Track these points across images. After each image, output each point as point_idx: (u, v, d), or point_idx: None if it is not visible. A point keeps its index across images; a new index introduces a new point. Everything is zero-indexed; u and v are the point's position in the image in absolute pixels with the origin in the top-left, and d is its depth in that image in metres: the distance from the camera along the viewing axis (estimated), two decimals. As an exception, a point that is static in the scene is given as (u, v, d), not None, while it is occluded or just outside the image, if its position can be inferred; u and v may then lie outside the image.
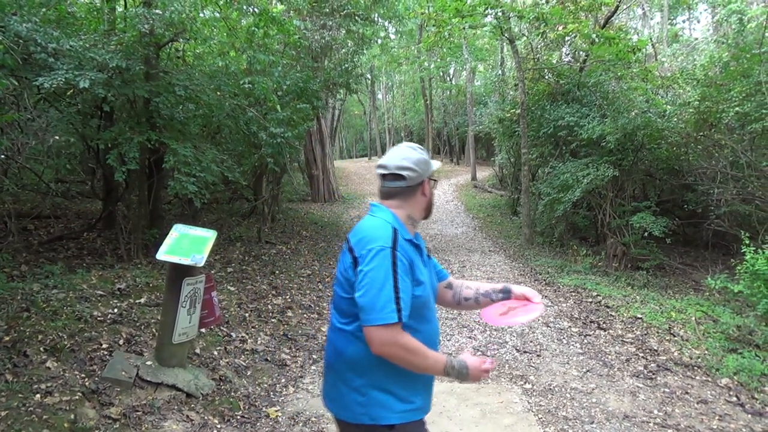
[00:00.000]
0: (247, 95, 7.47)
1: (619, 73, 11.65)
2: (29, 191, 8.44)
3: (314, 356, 5.24)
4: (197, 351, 4.51)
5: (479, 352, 5.51)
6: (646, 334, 6.06)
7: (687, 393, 4.62)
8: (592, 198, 10.90)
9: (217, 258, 7.73)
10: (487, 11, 11.75)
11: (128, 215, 7.37)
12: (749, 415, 4.25)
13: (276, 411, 4.00)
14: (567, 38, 13.37)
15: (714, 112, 8.85)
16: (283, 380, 4.61)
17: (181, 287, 3.71)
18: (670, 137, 9.77)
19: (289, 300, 6.82)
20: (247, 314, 5.86)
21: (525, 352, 5.56)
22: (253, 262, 8.17)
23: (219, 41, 7.83)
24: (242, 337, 5.25)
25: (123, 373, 3.63)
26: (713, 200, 9.32)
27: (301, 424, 3.86)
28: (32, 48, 5.03)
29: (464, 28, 13.43)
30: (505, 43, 18.28)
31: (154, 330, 4.42)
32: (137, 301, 4.94)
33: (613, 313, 6.81)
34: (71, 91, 5.95)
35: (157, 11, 5.91)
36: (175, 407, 3.59)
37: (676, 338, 5.95)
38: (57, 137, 6.14)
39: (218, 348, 4.78)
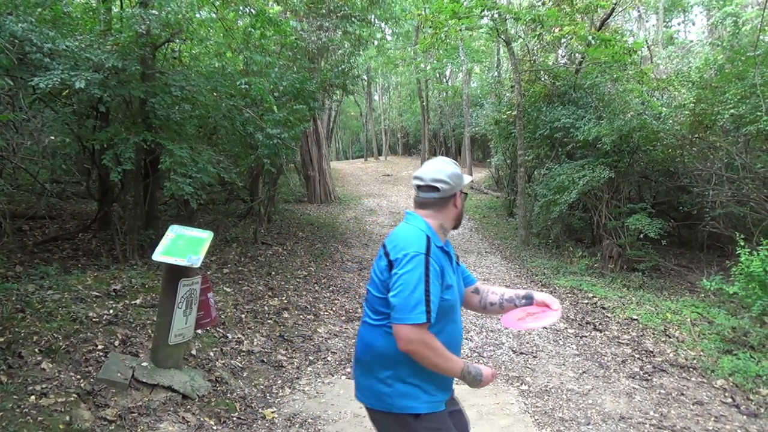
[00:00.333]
0: (244, 96, 7.45)
1: (615, 75, 11.68)
2: (24, 191, 8.41)
3: (310, 357, 5.23)
4: (193, 352, 4.50)
5: (475, 353, 5.52)
6: (641, 336, 6.08)
7: (683, 394, 4.63)
8: (587, 199, 10.93)
9: (213, 259, 7.71)
10: (483, 13, 11.77)
11: (124, 216, 7.34)
12: (744, 417, 4.27)
13: (272, 412, 3.99)
14: (563, 40, 13.43)
15: (709, 114, 8.89)
16: (280, 381, 4.60)
17: (177, 288, 3.69)
18: (666, 139, 9.81)
19: (285, 301, 6.81)
20: (243, 315, 5.85)
21: (521, 353, 5.57)
22: (249, 263, 8.15)
23: (215, 42, 7.81)
24: (238, 338, 5.23)
25: (118, 374, 3.61)
26: (708, 202, 9.35)
27: (297, 426, 3.85)
28: (28, 48, 5.01)
29: (461, 30, 13.44)
30: (501, 45, 18.33)
31: (149, 331, 4.40)
32: (133, 302, 4.92)
33: (609, 315, 6.83)
34: (67, 91, 5.92)
35: (153, 12, 5.89)
36: (171, 409, 3.57)
37: (671, 339, 5.97)
38: (52, 137, 6.11)
39: (214, 349, 4.77)
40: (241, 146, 8.37)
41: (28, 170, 7.73)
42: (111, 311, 4.56)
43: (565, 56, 15.28)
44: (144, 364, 3.79)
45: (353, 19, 12.51)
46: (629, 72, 11.83)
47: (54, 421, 3.02)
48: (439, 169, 2.07)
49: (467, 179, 2.17)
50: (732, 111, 8.10)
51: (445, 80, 38.54)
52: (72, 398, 3.26)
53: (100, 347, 3.93)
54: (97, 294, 4.85)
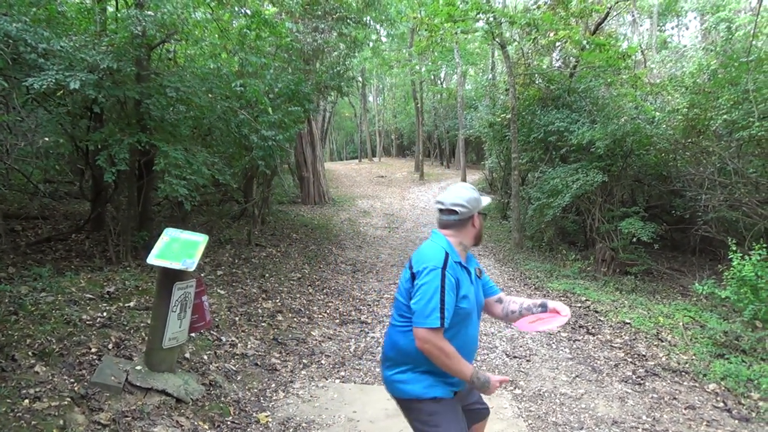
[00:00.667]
0: (239, 97, 7.43)
1: (609, 80, 11.77)
2: (16, 191, 8.36)
3: (304, 361, 5.23)
4: (187, 355, 4.49)
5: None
6: (634, 339, 6.11)
7: (675, 398, 4.67)
8: (581, 203, 10.98)
9: (206, 261, 7.69)
10: (479, 16, 11.81)
11: (117, 217, 7.30)
12: (736, 421, 4.30)
13: (266, 416, 3.99)
14: (558, 44, 13.48)
15: (702, 119, 8.96)
16: (273, 385, 4.60)
17: (172, 292, 3.69)
18: (659, 143, 9.88)
19: (279, 304, 6.80)
20: (237, 318, 5.84)
21: (515, 357, 5.59)
22: (243, 265, 8.14)
23: (211, 43, 7.79)
24: (232, 341, 5.23)
25: (112, 378, 3.60)
26: (701, 206, 9.42)
27: (291, 430, 3.85)
28: (22, 48, 4.98)
29: (456, 33, 13.48)
30: (496, 48, 18.38)
31: (143, 334, 4.39)
32: (126, 304, 4.90)
33: (602, 318, 6.87)
34: (61, 91, 5.90)
35: (149, 13, 5.88)
36: (165, 413, 3.56)
37: (664, 343, 6.01)
38: (47, 138, 6.08)
39: (208, 352, 4.76)
40: (236, 147, 8.35)
41: (21, 171, 7.69)
42: (104, 314, 4.54)
43: (559, 60, 15.36)
44: (138, 367, 3.77)
45: (349, 21, 12.51)
46: (623, 76, 11.92)
47: (48, 426, 3.00)
48: (459, 194, 2.37)
49: (485, 201, 2.46)
50: (725, 116, 8.17)
51: (439, 82, 38.64)
52: (66, 402, 3.25)
53: (93, 350, 3.92)
54: (90, 296, 4.83)
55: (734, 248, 6.37)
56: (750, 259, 6.11)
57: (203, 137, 7.88)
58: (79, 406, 3.30)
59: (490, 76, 23.69)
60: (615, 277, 9.47)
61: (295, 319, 6.41)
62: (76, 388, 3.43)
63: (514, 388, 4.79)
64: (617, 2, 14.01)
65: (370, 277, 9.04)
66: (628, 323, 6.60)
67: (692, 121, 9.27)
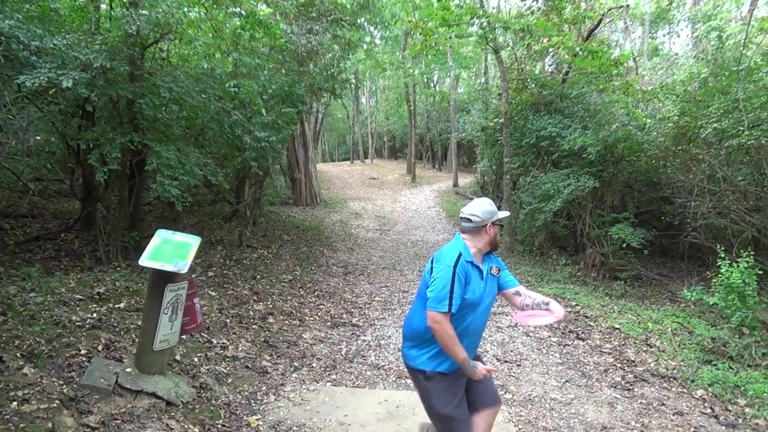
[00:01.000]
0: (232, 98, 7.41)
1: (600, 86, 11.83)
2: (6, 189, 8.28)
3: (295, 363, 5.22)
4: (177, 357, 4.46)
5: (460, 361, 5.54)
6: (623, 345, 6.15)
7: (663, 404, 4.70)
8: (572, 208, 11.03)
9: (197, 262, 7.66)
10: (473, 21, 11.84)
11: (108, 216, 7.25)
12: (723, 427, 4.34)
13: (257, 420, 3.97)
14: (551, 50, 13.55)
15: (693, 127, 9.03)
16: (264, 388, 4.58)
17: (164, 294, 3.66)
18: (650, 150, 9.94)
19: (271, 306, 6.78)
20: (228, 320, 5.81)
21: (505, 361, 5.60)
22: (234, 267, 8.11)
23: (204, 43, 7.76)
24: (223, 343, 5.20)
25: (102, 380, 3.57)
26: (690, 213, 9.49)
27: (282, 433, 3.84)
28: (14, 45, 4.93)
29: (450, 37, 13.51)
30: (489, 53, 18.44)
31: (133, 336, 4.36)
32: (117, 305, 4.86)
33: (592, 323, 6.90)
34: (53, 90, 5.85)
35: (143, 12, 5.85)
36: (155, 415, 3.54)
37: (652, 349, 6.04)
38: (38, 137, 6.03)
39: (199, 354, 4.74)
40: (229, 148, 8.32)
41: (11, 169, 7.61)
42: (94, 315, 4.50)
43: (552, 65, 15.43)
44: (128, 369, 3.75)
45: (343, 23, 12.53)
46: (615, 83, 11.99)
47: (36, 428, 2.97)
48: (477, 206, 2.86)
49: (502, 214, 2.91)
50: (715, 125, 8.24)
51: (432, 85, 38.73)
52: (54, 404, 3.22)
53: (83, 352, 3.88)
54: (80, 297, 4.79)
55: (722, 255, 6.44)
56: (738, 266, 6.18)
57: (196, 137, 7.85)
58: (68, 408, 3.27)
59: (483, 80, 23.81)
60: (605, 282, 9.53)
61: (286, 322, 6.39)
62: (65, 391, 3.40)
63: (505, 392, 4.81)
64: (610, 9, 14.12)
65: (362, 279, 9.03)
66: (618, 328, 6.64)
67: (683, 128, 9.34)
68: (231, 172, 9.83)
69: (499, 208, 2.90)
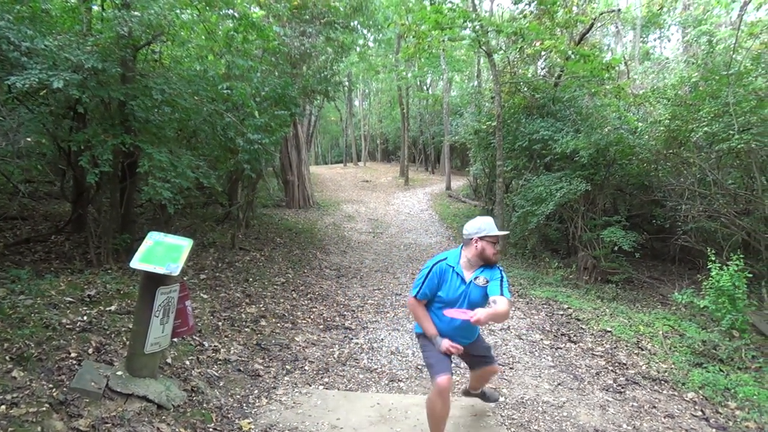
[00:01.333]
0: (225, 100, 7.40)
1: (592, 90, 11.90)
2: (-5, 191, 8.22)
3: (287, 367, 5.20)
4: (169, 361, 4.43)
5: (452, 365, 5.53)
6: (615, 348, 6.17)
7: (654, 407, 4.72)
8: (564, 211, 11.08)
9: (189, 264, 7.62)
10: (465, 24, 11.88)
11: (99, 219, 7.21)
12: (714, 430, 4.36)
13: (249, 423, 3.95)
14: (543, 53, 13.62)
15: (683, 130, 9.09)
16: (256, 391, 4.56)
17: (155, 296, 3.64)
18: (641, 154, 10.00)
19: (263, 308, 6.76)
20: (220, 323, 5.79)
21: (498, 364, 5.60)
22: (227, 269, 8.08)
23: (197, 45, 7.75)
24: (215, 346, 5.18)
25: (92, 383, 3.54)
26: (680, 216, 9.55)
27: (274, 437, 3.82)
28: (4, 46, 4.91)
29: (443, 40, 13.55)
30: (482, 56, 18.51)
31: (124, 338, 4.33)
32: (107, 308, 4.83)
33: (584, 326, 6.92)
34: (44, 91, 5.82)
35: (135, 13, 5.83)
36: (146, 419, 3.51)
37: (644, 352, 6.07)
38: (29, 139, 5.99)
39: (190, 357, 4.71)
40: (221, 150, 8.31)
41: (1, 171, 7.55)
42: (85, 318, 4.47)
43: (544, 69, 15.51)
44: (118, 373, 3.72)
45: (336, 25, 12.54)
46: (607, 87, 12.06)
47: (25, 432, 2.95)
48: (470, 223, 3.51)
49: (493, 232, 3.43)
50: (706, 128, 8.30)
51: (425, 88, 38.79)
52: (44, 408, 3.19)
53: (73, 355, 3.85)
54: (70, 299, 4.76)
55: (713, 258, 6.48)
56: (728, 269, 6.22)
57: (188, 140, 7.83)
58: (58, 412, 3.24)
59: (476, 83, 23.89)
60: (596, 285, 9.56)
61: (278, 325, 6.37)
62: (54, 394, 3.37)
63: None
64: (602, 14, 14.21)
65: (355, 282, 9.02)
66: (609, 331, 6.67)
67: (674, 132, 9.40)
68: (224, 174, 9.80)
69: (491, 212, 3.17)
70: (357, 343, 6.04)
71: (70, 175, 7.79)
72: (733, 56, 8.98)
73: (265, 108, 8.35)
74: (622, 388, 5.12)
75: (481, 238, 3.40)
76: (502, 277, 3.43)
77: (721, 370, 5.50)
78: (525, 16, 13.23)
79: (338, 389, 4.79)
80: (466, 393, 4.32)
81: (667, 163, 10.07)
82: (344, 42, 13.54)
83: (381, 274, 9.67)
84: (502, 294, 3.29)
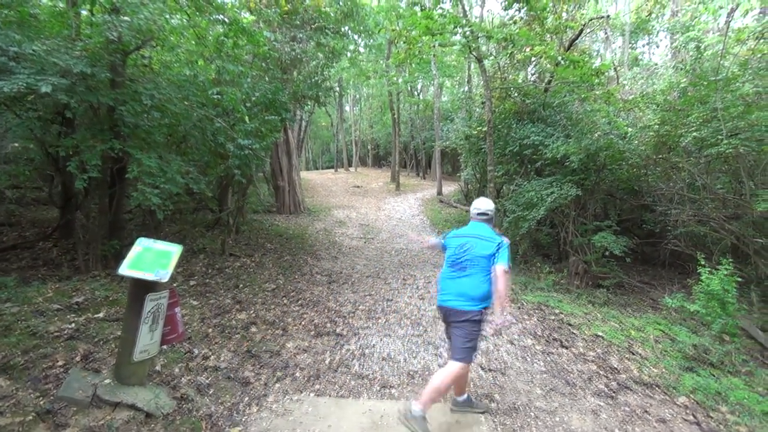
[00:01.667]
0: (215, 105, 7.38)
1: (582, 95, 11.96)
2: (-19, 197, 8.12)
3: (278, 374, 5.16)
4: (158, 368, 4.39)
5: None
6: (606, 352, 6.18)
7: (646, 412, 4.72)
8: (555, 216, 11.11)
9: (179, 270, 7.57)
10: (456, 30, 11.92)
11: (87, 225, 7.14)
12: (705, 434, 4.37)
13: (239, 431, 3.92)
14: (533, 59, 13.68)
15: (673, 135, 9.16)
16: (246, 399, 4.52)
17: (144, 303, 3.61)
18: (631, 159, 10.06)
19: (253, 315, 6.72)
20: (209, 330, 5.74)
21: (490, 370, 5.60)
22: (217, 275, 8.03)
23: (187, 50, 7.73)
24: (205, 353, 5.13)
25: (80, 392, 3.50)
26: (670, 221, 9.61)
27: (264, 445, 3.79)
28: (-8, 51, 4.87)
29: (434, 46, 13.59)
30: (473, 62, 18.57)
31: (113, 346, 4.29)
32: (95, 315, 4.78)
33: (575, 331, 6.93)
34: (32, 96, 5.77)
35: (125, 18, 5.80)
36: (134, 428, 3.47)
37: (635, 356, 6.09)
38: (16, 144, 5.93)
39: (180, 365, 4.67)
40: (211, 156, 8.27)
41: (-13, 176, 7.48)
42: (72, 325, 4.42)
43: (535, 74, 15.58)
44: (106, 381, 3.67)
45: (327, 31, 12.54)
46: (596, 92, 12.13)
47: (10, 442, 2.90)
48: (489, 203, 4.45)
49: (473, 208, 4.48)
50: (695, 134, 8.36)
51: (416, 93, 38.91)
52: (30, 417, 3.14)
53: (60, 363, 3.80)
54: (58, 307, 4.70)
55: (702, 263, 6.52)
56: (717, 273, 6.26)
57: (178, 145, 7.79)
58: (45, 421, 3.20)
59: (467, 88, 23.95)
60: (588, 289, 9.58)
61: (269, 331, 6.33)
62: (41, 403, 3.32)
63: (490, 401, 4.80)
64: (591, 20, 14.31)
65: (346, 288, 8.99)
66: (601, 336, 6.68)
67: (663, 137, 9.47)
68: (214, 179, 9.76)
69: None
70: (348, 350, 6.02)
71: (59, 181, 7.73)
72: (721, 62, 9.07)
73: (255, 113, 8.34)
74: (614, 393, 5.12)
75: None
76: None
77: (712, 375, 5.53)
78: (515, 22, 13.30)
79: (329, 396, 4.76)
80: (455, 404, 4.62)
81: (656, 168, 10.14)
82: (335, 47, 13.54)
83: (372, 280, 9.65)
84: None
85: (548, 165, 11.37)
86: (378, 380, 5.20)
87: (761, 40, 10.13)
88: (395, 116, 30.18)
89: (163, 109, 6.48)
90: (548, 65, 13.19)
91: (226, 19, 7.74)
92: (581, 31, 13.78)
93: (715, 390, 5.13)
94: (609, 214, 11.50)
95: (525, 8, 12.56)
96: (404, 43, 13.45)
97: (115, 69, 6.18)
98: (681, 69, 10.84)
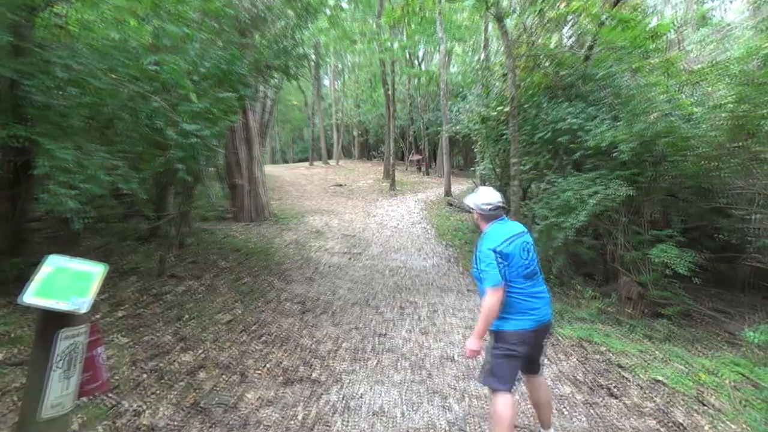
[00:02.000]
0: (152, 79, 7.37)
1: (634, 65, 12.03)
2: None
3: (235, 434, 5.14)
4: (75, 427, 4.36)
5: (456, 427, 5.52)
6: (669, 403, 6.19)
7: (722, 482, 4.73)
8: (600, 223, 11.15)
9: (103, 298, 7.54)
10: (468, -21, 11.99)
11: (-19, 237, 7.11)
12: None
13: None
14: (570, 18, 13.76)
15: (753, 117, 9.20)
16: (193, 468, 4.50)
17: (55, 342, 3.58)
18: (699, 148, 10.10)
19: (202, 356, 6.69)
20: (143, 376, 5.72)
21: (516, 426, 5.59)
22: (153, 304, 8.01)
23: (115, 6, 7.71)
24: (137, 407, 5.11)
25: (-31, 461, 3.46)
26: (752, 229, 9.64)
27: None
28: None
29: (439, 1, 13.66)
30: (490, 21, 18.66)
31: (15, 398, 4.25)
32: (-9, 358, 4.75)
33: (628, 375, 6.94)
34: None
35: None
36: None
37: (707, 408, 6.10)
38: None
39: (104, 423, 4.64)
40: (146, 145, 8.26)
41: None
42: (-40, 371, 4.38)
43: (571, 38, 15.68)
44: (5, 446, 3.64)
45: (299, -19, 12.57)
46: (652, 61, 12.21)
47: None
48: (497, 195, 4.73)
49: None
50: (782, 114, 8.41)
51: (417, 63, 39.05)
52: None
53: (-57, 423, 3.77)
54: (-60, 347, 4.67)
55: (795, 284, 6.55)
56: (815, 298, 6.29)
57: (102, 131, 7.77)
58: None
59: (483, 56, 24.05)
60: (644, 320, 9.61)
61: (223, 377, 6.31)
62: None
63: (515, 469, 4.79)
64: (645, -34, 14.41)
65: (324, 319, 8.98)
66: (662, 382, 6.69)
67: (740, 119, 9.51)
68: (150, 177, 9.72)
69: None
70: (328, 402, 6.00)
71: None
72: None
73: (204, 89, 8.33)
74: (680, 456, 5.13)
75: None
76: (477, 253, 4.47)
77: (807, 432, 5.54)
78: (546, -31, 13.40)
79: (304, 464, 4.74)
80: None
81: (732, 160, 10.19)
82: (310, 2, 13.57)
83: (359, 309, 9.65)
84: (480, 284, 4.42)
85: (590, 156, 11.41)
86: (368, 442, 5.18)
87: None
88: (389, 92, 30.29)
89: (83, 85, 6.45)
90: (589, 26, 13.27)
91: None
92: (633, -19, 13.89)
93: (812, 452, 5.14)
94: (671, 221, 11.53)
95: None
96: (401, -4, 13.51)
97: (19, 32, 6.15)
98: (763, 30, 10.93)
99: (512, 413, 4.21)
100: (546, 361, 4.34)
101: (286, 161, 50.84)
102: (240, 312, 8.74)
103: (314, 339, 8.02)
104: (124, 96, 6.88)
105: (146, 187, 9.76)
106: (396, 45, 29.75)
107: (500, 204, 4.54)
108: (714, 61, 12.49)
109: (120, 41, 7.21)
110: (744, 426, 5.70)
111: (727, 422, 5.79)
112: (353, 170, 35.11)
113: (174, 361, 6.34)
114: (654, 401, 6.24)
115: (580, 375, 6.95)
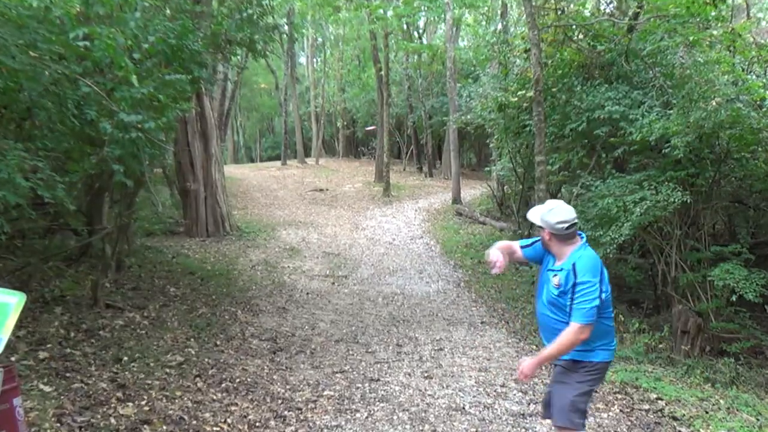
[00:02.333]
0: (81, 58, 7.38)
1: (690, 38, 12.09)
2: None
3: (189, 507, 5.14)
4: (-16, 501, 4.35)
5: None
6: (736, 465, 6.22)
7: None
8: (648, 238, 11.19)
9: (21, 335, 7.53)
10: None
11: None
12: None
13: None
14: (609, -22, 13.83)
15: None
16: None
17: (-40, 391, 3.59)
18: (772, 142, 10.16)
19: (146, 408, 6.68)
20: (72, 434, 5.71)
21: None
22: (85, 342, 8.00)
23: (34, -34, 7.74)
24: (64, 474, 5.10)
25: None
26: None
27: None
28: None
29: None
30: (509, -17, 18.73)
31: None
32: None
33: (685, 430, 6.96)
34: None
35: None
36: None
37: (783, 471, 6.12)
38: None
39: (21, 495, 4.62)
40: (75, 141, 8.26)
41: None
42: None
43: (611, 3, 15.76)
44: None
45: (267, -68, 12.62)
46: (713, 32, 12.26)
47: None
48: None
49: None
50: None
51: (417, 36, 39.16)
52: None
53: None
54: None
55: None
56: None
57: (18, 124, 7.77)
58: None
59: (500, 27, 24.16)
60: (703, 359, 9.62)
61: (172, 435, 6.30)
62: None
63: None
64: None
65: (301, 360, 8.98)
66: (727, 437, 6.72)
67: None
68: (79, 181, 9.72)
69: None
70: (306, 465, 6.01)
71: None
72: None
73: (148, 70, 8.34)
74: None
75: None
76: (574, 283, 4.56)
77: None
78: None
79: None
80: None
81: (813, 158, 10.25)
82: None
83: (345, 347, 9.65)
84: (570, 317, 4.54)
85: (635, 153, 11.45)
86: None
87: None
88: (381, 73, 30.31)
89: (-6, 65, 6.47)
90: (633, -11, 13.33)
91: None
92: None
93: None
94: (737, 234, 11.57)
95: None
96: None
97: None
98: None
99: None
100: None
101: (252, 160, 50.89)
102: (194, 352, 8.73)
103: (288, 385, 8.02)
104: (46, 79, 6.87)
105: (75, 194, 9.76)
106: (390, 13, 29.79)
107: (576, 221, 4.73)
108: (790, 33, 12.57)
109: (41, 10, 7.22)
110: (830, 493, 5.73)
111: (809, 488, 5.82)
112: (337, 171, 35.15)
113: (111, 414, 6.33)
114: (717, 462, 6.27)
115: (623, 429, 6.96)
